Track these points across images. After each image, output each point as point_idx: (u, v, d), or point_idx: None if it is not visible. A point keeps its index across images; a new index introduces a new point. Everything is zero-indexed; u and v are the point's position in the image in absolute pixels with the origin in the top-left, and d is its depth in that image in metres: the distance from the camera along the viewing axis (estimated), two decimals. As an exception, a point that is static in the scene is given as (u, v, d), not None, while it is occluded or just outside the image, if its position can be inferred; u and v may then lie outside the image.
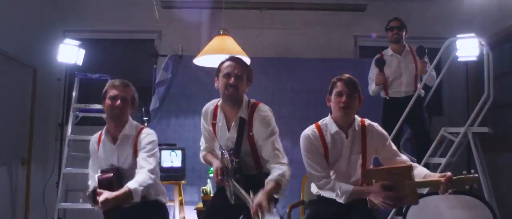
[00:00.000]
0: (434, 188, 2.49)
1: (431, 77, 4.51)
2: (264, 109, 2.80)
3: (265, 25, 5.86)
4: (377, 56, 4.68)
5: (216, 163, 2.79)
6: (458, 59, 4.92)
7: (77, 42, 4.90)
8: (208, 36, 5.75)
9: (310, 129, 2.84)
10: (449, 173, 2.42)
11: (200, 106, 4.93)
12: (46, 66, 5.71)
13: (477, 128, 4.14)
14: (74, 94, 4.47)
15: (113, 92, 2.86)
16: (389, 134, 4.30)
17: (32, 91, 5.61)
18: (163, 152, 4.62)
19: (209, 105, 2.94)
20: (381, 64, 4.54)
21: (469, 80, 5.59)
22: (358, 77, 4.64)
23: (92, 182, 2.93)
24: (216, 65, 3.58)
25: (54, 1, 5.92)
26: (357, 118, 2.86)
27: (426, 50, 4.59)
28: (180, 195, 4.58)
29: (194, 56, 4.64)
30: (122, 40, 6.20)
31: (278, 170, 2.60)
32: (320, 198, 2.86)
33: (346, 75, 2.82)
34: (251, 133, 2.74)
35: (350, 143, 2.79)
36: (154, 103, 5.18)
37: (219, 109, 2.84)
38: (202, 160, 3.00)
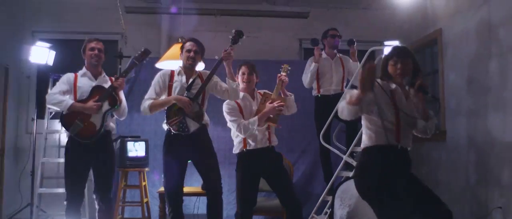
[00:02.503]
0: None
1: (356, 79, 5.25)
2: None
3: (220, 29, 6.50)
4: (312, 38, 5.29)
5: (177, 96, 3.77)
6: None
7: (48, 44, 5.38)
8: (167, 39, 6.36)
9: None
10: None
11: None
12: (17, 64, 6.19)
13: (396, 121, 4.91)
14: (49, 91, 4.95)
15: (91, 45, 3.86)
16: (321, 127, 5.07)
17: (4, 88, 6.09)
18: (128, 143, 5.19)
19: (166, 71, 3.98)
20: (315, 42, 5.21)
21: (397, 79, 6.43)
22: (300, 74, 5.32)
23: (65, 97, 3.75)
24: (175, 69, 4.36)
25: (23, 3, 6.36)
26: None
27: (355, 42, 5.29)
28: (144, 180, 5.18)
29: (155, 57, 5.24)
30: (88, 40, 6.70)
31: None
32: (244, 153, 3.96)
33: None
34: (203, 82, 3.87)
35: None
36: None
37: (176, 73, 3.90)
38: (147, 109, 3.81)
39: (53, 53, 5.30)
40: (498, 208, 4.57)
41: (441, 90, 5.76)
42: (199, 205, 5.44)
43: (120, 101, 3.84)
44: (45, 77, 5.69)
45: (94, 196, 3.85)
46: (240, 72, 4.14)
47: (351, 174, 4.71)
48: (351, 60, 5.31)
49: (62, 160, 4.92)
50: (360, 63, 5.19)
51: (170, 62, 4.50)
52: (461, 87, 5.31)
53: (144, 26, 6.46)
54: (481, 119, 4.90)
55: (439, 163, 5.63)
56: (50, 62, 5.33)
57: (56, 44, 5.70)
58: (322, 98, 5.16)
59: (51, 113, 4.91)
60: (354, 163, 4.81)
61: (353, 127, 5.11)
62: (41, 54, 5.26)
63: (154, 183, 5.50)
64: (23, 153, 5.97)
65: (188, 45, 3.92)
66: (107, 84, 3.87)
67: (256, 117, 3.88)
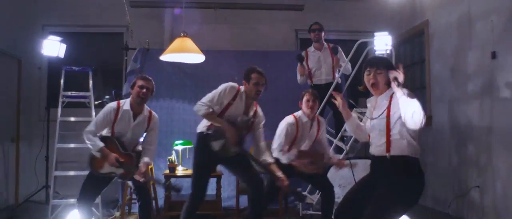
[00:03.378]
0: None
1: (346, 69, 5.59)
2: (261, 112, 4.15)
3: (219, 21, 6.86)
4: (297, 53, 5.71)
5: (232, 129, 3.79)
6: (376, 52, 6.06)
7: (59, 38, 5.70)
8: (170, 31, 6.72)
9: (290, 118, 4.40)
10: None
11: (165, 91, 6.00)
12: (29, 56, 6.58)
13: (382, 108, 5.29)
14: (61, 82, 5.34)
15: (140, 83, 3.97)
16: (314, 114, 5.43)
17: (18, 78, 6.50)
18: (135, 130, 5.58)
19: (234, 86, 3.93)
20: (300, 59, 5.59)
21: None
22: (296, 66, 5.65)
23: (97, 140, 3.85)
24: (178, 61, 4.74)
25: (33, -1, 6.76)
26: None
27: (339, 49, 5.59)
28: (150, 164, 5.56)
29: (159, 49, 5.61)
30: (95, 33, 7.10)
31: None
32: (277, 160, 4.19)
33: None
34: (254, 120, 4.04)
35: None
36: (126, 89, 6.01)
37: (239, 96, 3.92)
38: (201, 112, 3.86)
39: (64, 46, 5.62)
40: (476, 187, 4.98)
41: (427, 78, 6.14)
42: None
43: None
44: (56, 68, 6.05)
45: (135, 195, 4.08)
46: (305, 99, 4.36)
47: (341, 156, 5.13)
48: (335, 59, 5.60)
49: (73, 145, 5.33)
50: (347, 57, 5.55)
51: (174, 55, 4.86)
52: (445, 75, 5.69)
53: (148, 20, 6.84)
54: (462, 106, 5.30)
55: (426, 147, 6.01)
56: (61, 54, 5.65)
57: (65, 37, 5.97)
58: (315, 87, 5.50)
59: (63, 102, 5.27)
60: (344, 147, 5.22)
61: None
62: (52, 47, 5.57)
63: (159, 166, 5.90)
64: (36, 140, 6.38)
65: (256, 77, 3.93)
66: (144, 124, 4.04)
67: (293, 157, 4.19)
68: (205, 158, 3.96)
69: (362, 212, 2.84)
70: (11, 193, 6.18)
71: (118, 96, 5.84)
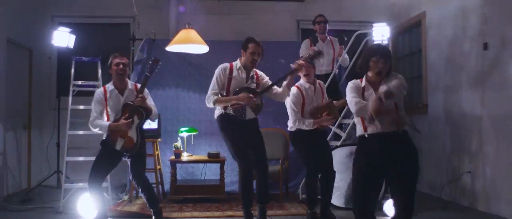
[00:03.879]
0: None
1: (345, 60, 5.81)
2: (260, 71, 4.49)
3: (222, 12, 7.06)
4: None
5: (241, 95, 4.20)
6: (374, 42, 6.26)
7: (68, 29, 5.91)
8: (176, 22, 6.91)
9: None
10: None
11: (171, 80, 6.22)
12: (39, 46, 6.83)
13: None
14: (72, 72, 5.55)
15: (116, 61, 4.17)
16: (312, 103, 5.64)
17: (29, 68, 6.74)
18: (142, 117, 5.82)
19: (225, 65, 4.35)
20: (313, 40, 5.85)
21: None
22: (298, 55, 5.86)
23: (102, 121, 4.13)
24: (183, 51, 4.96)
25: (43, -10, 6.98)
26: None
27: (345, 39, 5.86)
28: (157, 150, 5.82)
29: (165, 39, 5.81)
30: (102, 24, 7.33)
31: None
32: (297, 131, 4.51)
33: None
34: (259, 81, 4.42)
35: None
36: (132, 78, 6.22)
37: (235, 68, 4.32)
38: (212, 104, 4.25)
39: (73, 37, 5.83)
40: (468, 172, 5.21)
41: (424, 67, 6.34)
42: (205, 171, 6.09)
43: (150, 110, 4.18)
44: (65, 58, 6.29)
45: (133, 182, 4.29)
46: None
47: (338, 143, 5.35)
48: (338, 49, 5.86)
49: (82, 132, 5.56)
50: (345, 48, 5.76)
51: (179, 46, 5.09)
52: (440, 65, 5.89)
53: (154, 10, 7.04)
54: (456, 95, 5.50)
55: (422, 134, 6.20)
56: (71, 45, 5.85)
57: (73, 27, 6.10)
58: (315, 77, 5.71)
59: (74, 91, 5.49)
60: (342, 134, 5.44)
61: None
62: (62, 38, 5.78)
63: (165, 152, 6.14)
64: (47, 127, 6.67)
65: (253, 47, 4.27)
66: (133, 96, 4.15)
67: (312, 121, 4.42)
68: (233, 132, 4.28)
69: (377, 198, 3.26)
70: (24, 178, 6.47)
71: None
